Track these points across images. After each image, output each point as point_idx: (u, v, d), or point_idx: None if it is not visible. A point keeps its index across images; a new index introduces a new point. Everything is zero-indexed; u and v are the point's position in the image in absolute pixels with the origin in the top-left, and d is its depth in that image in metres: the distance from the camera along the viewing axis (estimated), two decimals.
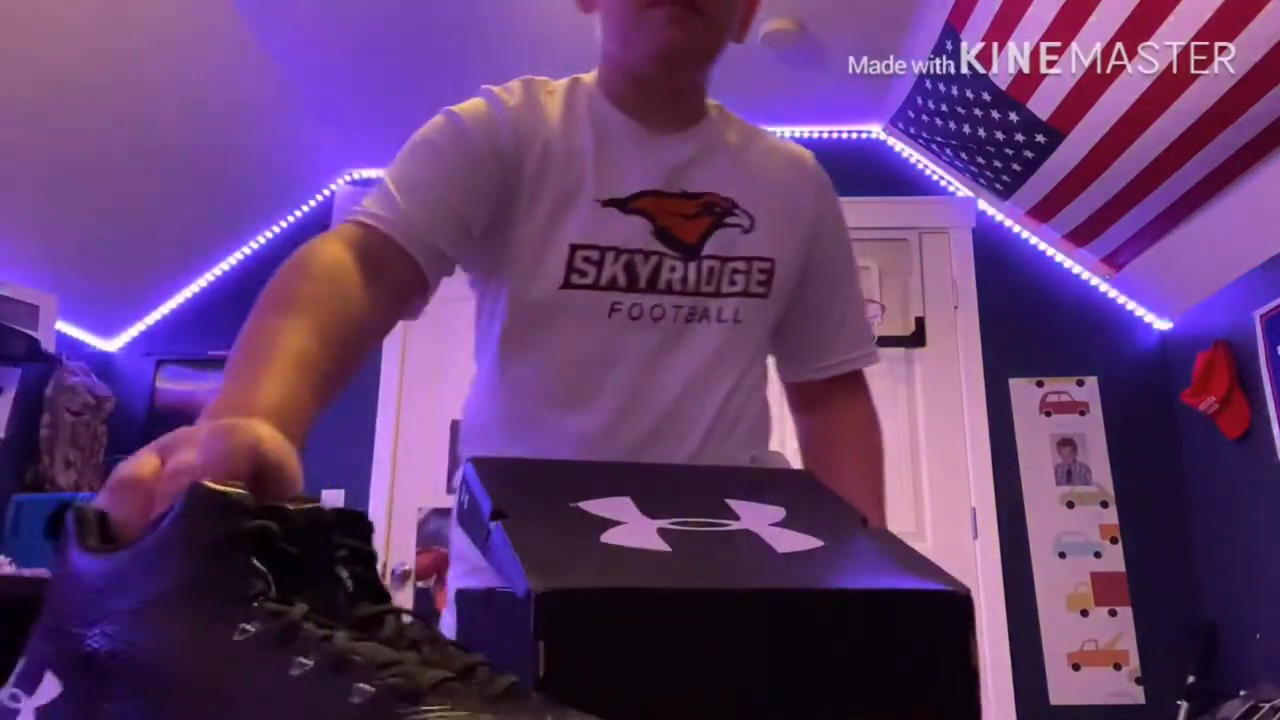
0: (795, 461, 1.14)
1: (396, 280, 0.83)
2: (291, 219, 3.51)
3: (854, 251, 1.11)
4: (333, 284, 0.75)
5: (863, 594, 0.56)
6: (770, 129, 1.11)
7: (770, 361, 1.10)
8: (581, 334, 0.93)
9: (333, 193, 3.54)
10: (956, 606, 0.56)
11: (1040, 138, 2.64)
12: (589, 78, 1.02)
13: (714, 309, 0.96)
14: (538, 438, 0.93)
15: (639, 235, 0.94)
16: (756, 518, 0.66)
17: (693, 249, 0.95)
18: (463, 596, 0.70)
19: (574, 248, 0.92)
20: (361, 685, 0.35)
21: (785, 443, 1.12)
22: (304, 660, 0.36)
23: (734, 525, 0.64)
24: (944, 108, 2.87)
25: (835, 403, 1.09)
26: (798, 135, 3.36)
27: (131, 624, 0.39)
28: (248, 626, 0.37)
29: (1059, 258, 3.24)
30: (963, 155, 3.05)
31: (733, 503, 0.69)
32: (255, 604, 0.38)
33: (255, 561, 0.39)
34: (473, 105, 0.96)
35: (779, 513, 0.68)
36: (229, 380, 0.63)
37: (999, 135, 2.76)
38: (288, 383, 0.62)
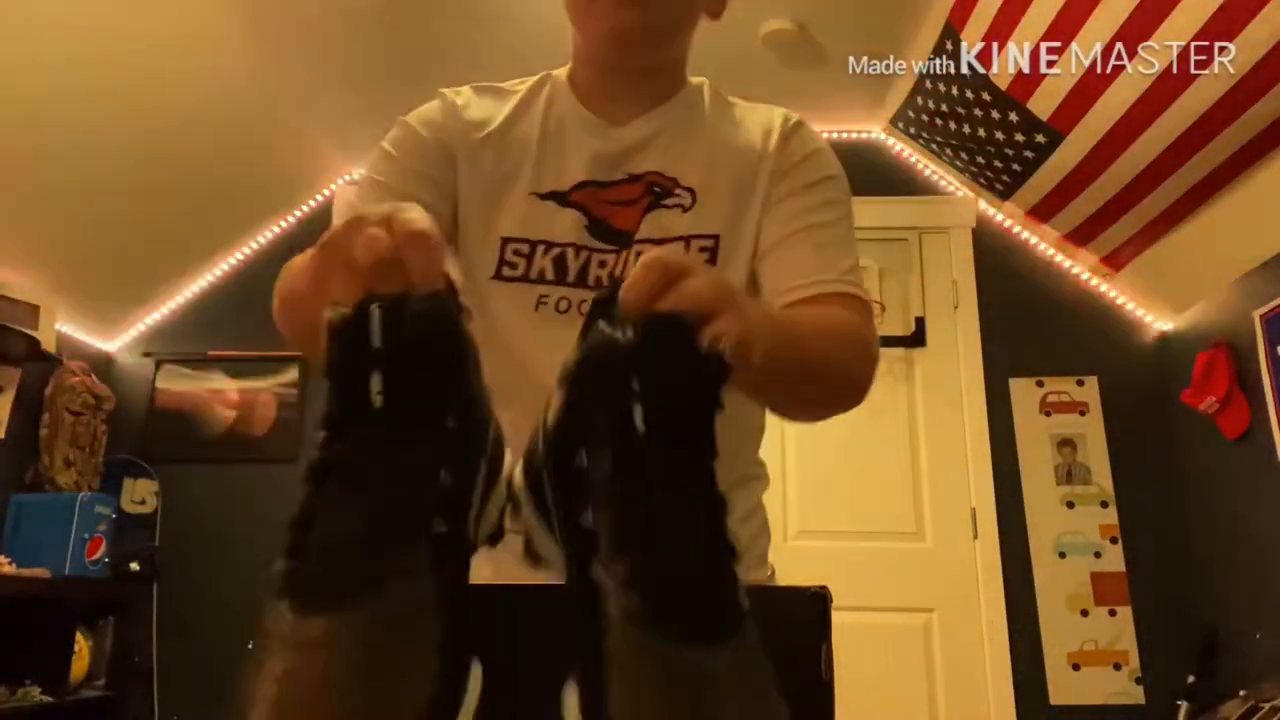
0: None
1: None
2: (291, 219, 3.51)
3: (848, 198, 0.98)
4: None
5: None
6: None
7: None
8: (508, 327, 0.92)
9: (333, 193, 3.54)
10: (810, 602, 0.55)
11: (1040, 138, 2.64)
12: (561, 72, 1.02)
13: None
14: None
15: (572, 230, 0.93)
16: None
17: (627, 236, 0.93)
18: None
19: (505, 240, 0.93)
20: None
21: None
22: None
23: None
24: (944, 108, 2.87)
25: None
26: None
27: None
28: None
29: (1059, 258, 3.24)
30: (963, 155, 3.05)
31: None
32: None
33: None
34: (423, 109, 0.99)
35: None
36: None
37: (999, 135, 2.75)
38: None
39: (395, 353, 0.44)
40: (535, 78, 1.02)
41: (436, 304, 0.46)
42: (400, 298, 0.44)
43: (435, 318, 0.46)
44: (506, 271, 0.93)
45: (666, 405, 0.44)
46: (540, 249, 0.92)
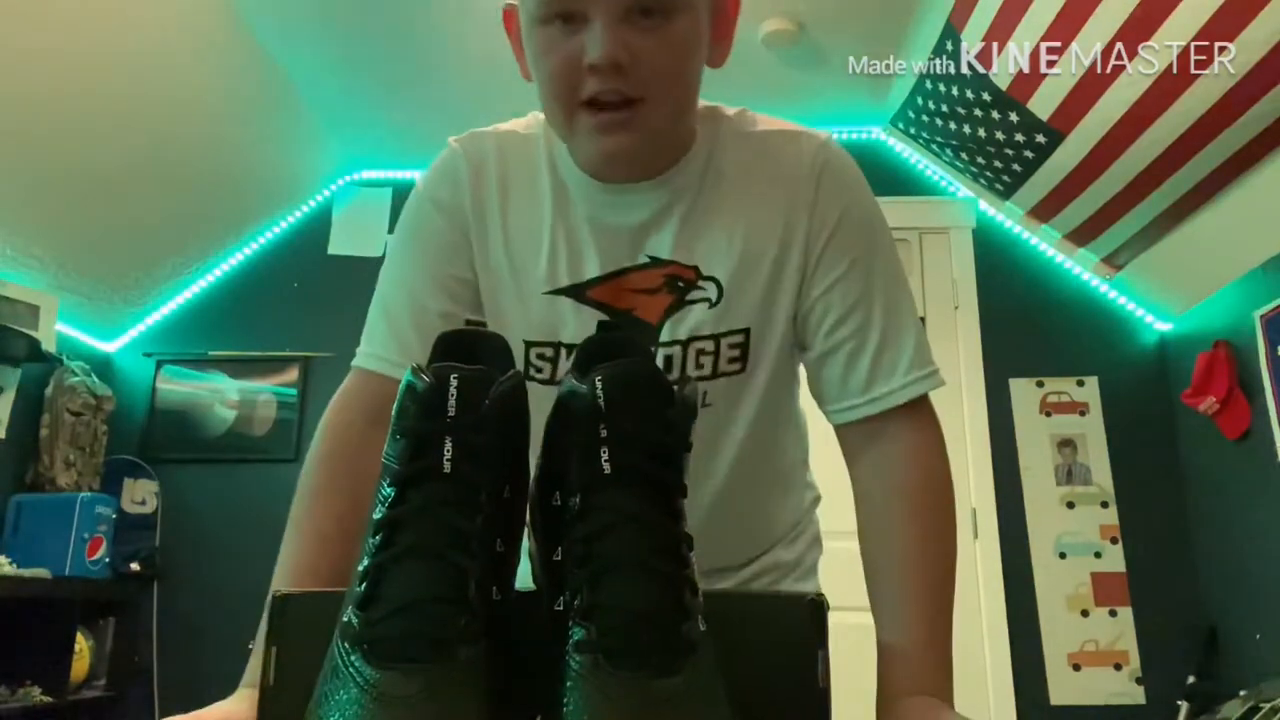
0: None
1: None
2: (291, 219, 3.51)
3: (893, 256, 0.89)
4: (344, 460, 0.81)
5: (712, 595, 0.55)
6: None
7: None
8: (538, 426, 0.88)
9: (333, 193, 3.54)
10: (806, 608, 0.56)
11: (1040, 138, 2.64)
12: None
13: None
14: None
15: (593, 326, 0.86)
16: None
17: (652, 331, 0.85)
18: None
19: (528, 345, 0.87)
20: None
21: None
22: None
23: None
24: (944, 108, 2.87)
25: (871, 455, 0.83)
26: None
27: None
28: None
29: (1059, 258, 3.24)
30: (963, 155, 3.05)
31: None
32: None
33: None
34: (433, 177, 0.90)
35: None
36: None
37: (999, 135, 2.75)
38: (312, 570, 0.75)
39: (467, 422, 0.48)
40: (536, 127, 0.90)
41: (510, 382, 0.50)
42: (478, 371, 0.49)
43: (507, 394, 0.50)
44: (533, 373, 0.88)
45: (631, 449, 0.48)
46: (564, 351, 0.86)
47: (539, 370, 0.87)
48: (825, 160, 0.87)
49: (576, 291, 0.86)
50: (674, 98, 0.79)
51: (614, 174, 0.83)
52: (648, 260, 0.85)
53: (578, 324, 0.85)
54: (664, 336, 0.85)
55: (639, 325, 0.85)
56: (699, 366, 0.85)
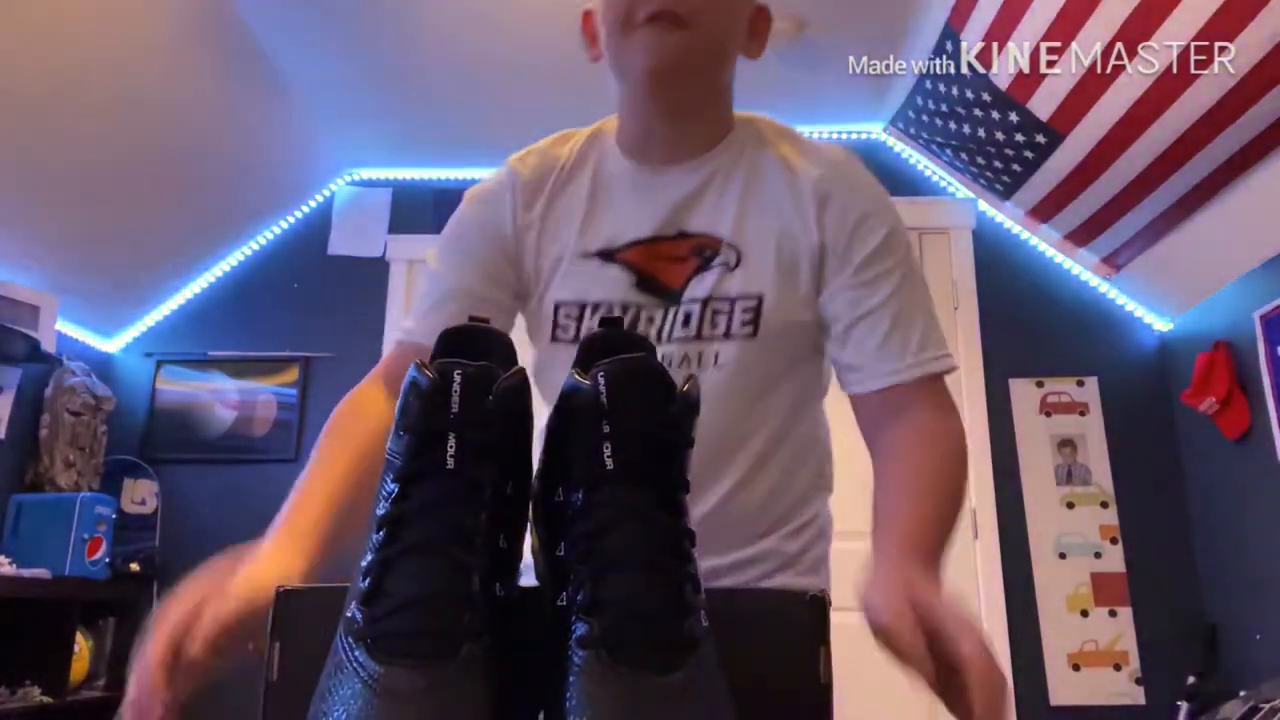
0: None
1: None
2: (292, 219, 3.51)
3: (904, 247, 0.97)
4: (358, 419, 0.89)
5: (714, 592, 0.55)
6: None
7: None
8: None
9: (333, 193, 3.54)
10: (808, 605, 0.56)
11: (1040, 138, 2.64)
12: (612, 125, 1.03)
13: (703, 354, 0.94)
14: None
15: (619, 287, 0.96)
16: None
17: (675, 294, 0.95)
18: None
19: (557, 306, 0.98)
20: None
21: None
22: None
23: None
24: (944, 108, 2.87)
25: (891, 422, 0.90)
26: None
27: None
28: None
29: (1059, 258, 3.24)
30: (963, 156, 3.05)
31: None
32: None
33: None
34: (490, 182, 1.03)
35: None
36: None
37: (999, 136, 2.75)
38: (305, 513, 0.79)
39: (471, 419, 0.48)
40: (588, 132, 1.04)
41: (513, 379, 0.50)
42: (481, 368, 0.49)
43: (510, 390, 0.50)
44: (560, 334, 0.98)
45: (633, 445, 0.49)
46: (589, 310, 0.96)
47: (565, 330, 0.97)
48: (828, 181, 0.97)
49: (606, 255, 0.96)
50: (716, 30, 0.90)
51: (664, 82, 0.92)
52: (678, 234, 0.96)
53: (603, 283, 0.96)
54: (685, 296, 0.95)
55: (661, 288, 0.95)
56: (714, 325, 0.94)
